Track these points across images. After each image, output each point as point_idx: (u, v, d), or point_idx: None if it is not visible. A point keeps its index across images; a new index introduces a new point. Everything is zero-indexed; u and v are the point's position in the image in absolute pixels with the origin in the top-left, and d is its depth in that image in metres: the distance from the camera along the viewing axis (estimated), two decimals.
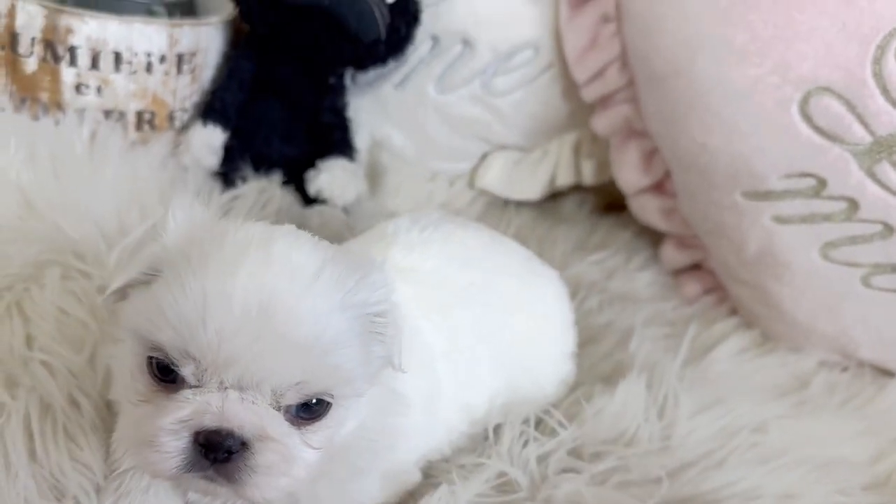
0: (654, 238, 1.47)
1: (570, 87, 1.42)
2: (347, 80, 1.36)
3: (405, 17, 1.27)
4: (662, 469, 0.87)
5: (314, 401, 0.65)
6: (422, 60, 1.39)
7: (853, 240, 1.15)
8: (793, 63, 1.11)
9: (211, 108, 1.29)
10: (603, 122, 1.40)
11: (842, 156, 1.12)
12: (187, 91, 1.29)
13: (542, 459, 0.86)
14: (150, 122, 1.27)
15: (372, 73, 1.39)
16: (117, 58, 1.19)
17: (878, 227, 1.13)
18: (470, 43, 1.37)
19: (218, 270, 0.62)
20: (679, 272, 1.42)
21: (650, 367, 1.05)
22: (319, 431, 0.66)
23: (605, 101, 1.38)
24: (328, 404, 0.66)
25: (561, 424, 0.90)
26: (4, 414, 0.75)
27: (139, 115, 1.25)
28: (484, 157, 1.50)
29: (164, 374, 0.64)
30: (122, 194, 1.12)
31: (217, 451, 0.61)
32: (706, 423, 0.96)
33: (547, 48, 1.39)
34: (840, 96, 1.09)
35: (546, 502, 0.82)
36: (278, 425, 0.64)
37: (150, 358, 0.64)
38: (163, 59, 1.23)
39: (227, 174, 1.28)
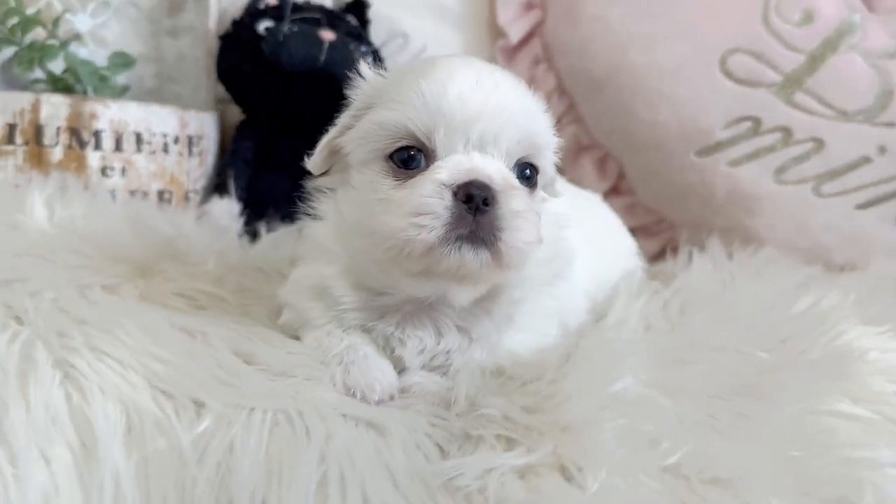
0: None
1: None
2: None
3: None
4: None
5: (527, 171, 0.76)
6: None
7: (796, 160, 1.41)
8: (706, 37, 1.41)
9: (222, 183, 1.37)
10: None
11: (765, 96, 1.40)
12: (197, 173, 1.38)
13: None
14: (170, 202, 1.32)
15: None
16: (138, 138, 1.27)
17: (811, 144, 1.40)
18: None
19: (442, 69, 0.74)
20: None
21: None
22: (535, 200, 0.77)
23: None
24: (536, 175, 0.77)
25: None
26: None
27: (160, 194, 1.31)
28: None
29: (407, 164, 0.73)
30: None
31: (477, 201, 0.69)
32: None
33: None
34: (749, 51, 1.40)
35: None
36: (515, 179, 0.73)
37: (391, 156, 0.74)
38: (176, 139, 1.32)
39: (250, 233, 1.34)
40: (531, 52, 1.58)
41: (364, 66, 0.82)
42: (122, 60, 1.49)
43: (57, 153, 1.22)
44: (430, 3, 1.61)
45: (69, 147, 1.22)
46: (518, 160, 0.76)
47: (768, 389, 0.78)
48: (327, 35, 1.36)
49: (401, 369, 0.81)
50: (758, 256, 1.23)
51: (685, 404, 0.74)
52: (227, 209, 1.34)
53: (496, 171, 0.72)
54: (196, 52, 1.53)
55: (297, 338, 0.84)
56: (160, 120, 1.29)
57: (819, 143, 1.40)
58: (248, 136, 1.43)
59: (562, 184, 1.16)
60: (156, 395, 0.71)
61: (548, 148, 0.79)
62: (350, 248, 0.80)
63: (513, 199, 0.71)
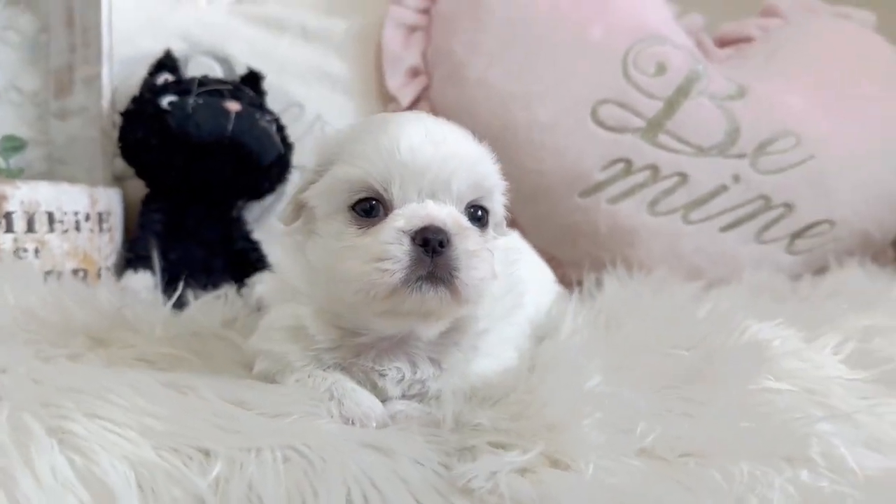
0: None
1: None
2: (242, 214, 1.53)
3: (284, 146, 1.52)
4: None
5: (479, 213, 0.84)
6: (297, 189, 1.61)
7: (665, 193, 1.59)
8: (578, 91, 1.59)
9: (136, 257, 1.37)
10: None
11: (633, 140, 1.58)
12: (108, 249, 1.36)
13: None
14: (84, 280, 1.30)
15: (257, 210, 1.58)
16: (50, 218, 1.25)
17: (677, 178, 1.59)
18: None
19: (394, 124, 0.82)
20: None
21: None
22: (487, 240, 0.85)
23: None
24: (487, 216, 0.85)
25: None
26: None
27: (75, 272, 1.29)
28: None
29: (369, 213, 0.81)
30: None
31: (433, 244, 0.77)
32: None
33: None
34: (615, 101, 1.58)
35: None
36: (466, 221, 0.82)
37: (353, 206, 0.81)
38: (87, 217, 1.31)
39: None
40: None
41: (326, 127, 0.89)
42: (14, 144, 1.45)
43: None
44: (318, 73, 1.69)
45: None
46: (468, 203, 0.84)
47: (706, 378, 0.90)
48: (233, 106, 1.40)
49: (382, 400, 0.86)
50: (653, 276, 1.38)
51: (644, 395, 0.84)
52: (144, 282, 1.33)
53: (448, 215, 0.80)
54: (89, 133, 1.52)
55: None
56: (71, 198, 1.28)
57: (683, 177, 1.59)
58: (156, 209, 1.43)
59: None
60: (159, 449, 0.72)
61: (496, 190, 0.88)
62: (321, 291, 0.85)
63: (466, 240, 0.79)
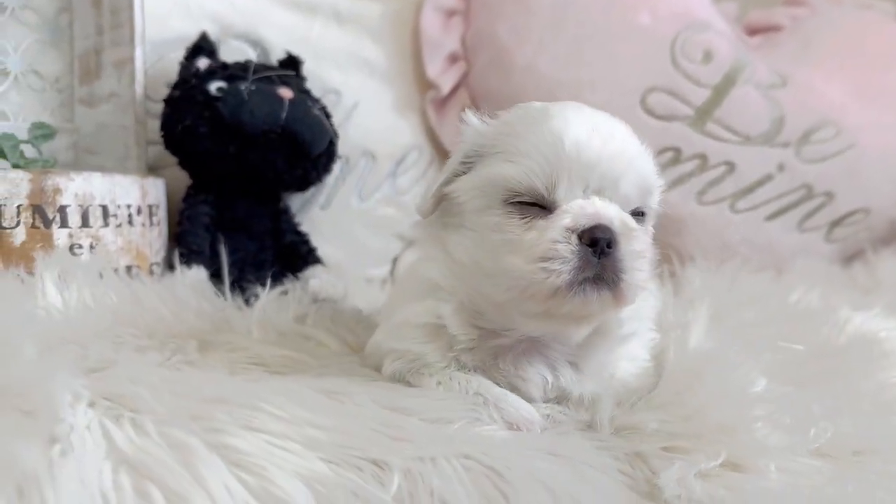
0: None
1: None
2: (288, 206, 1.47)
3: (333, 134, 1.45)
4: None
5: (641, 212, 0.81)
6: (337, 179, 1.56)
7: (712, 183, 1.59)
8: (627, 80, 1.56)
9: (188, 252, 1.29)
10: None
11: (681, 128, 1.57)
12: (158, 244, 1.29)
13: None
14: (138, 277, 1.22)
15: (299, 201, 1.51)
16: (104, 211, 1.17)
17: (724, 167, 1.59)
18: (372, 155, 1.59)
19: (559, 118, 0.77)
20: None
21: None
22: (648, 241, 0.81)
23: None
24: (645, 216, 0.82)
25: None
26: None
27: (128, 269, 1.21)
28: (395, 260, 1.67)
29: (523, 213, 0.76)
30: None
31: (601, 244, 0.73)
32: None
33: (426, 147, 1.67)
34: (664, 90, 1.56)
35: None
36: (632, 221, 0.78)
37: (510, 205, 0.77)
38: (139, 210, 1.23)
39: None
40: (460, 102, 1.65)
41: (469, 113, 0.84)
42: (44, 131, 1.35)
43: (19, 234, 1.09)
44: (356, 59, 1.62)
45: (32, 226, 1.10)
46: (635, 206, 0.81)
47: (833, 374, 0.89)
48: (286, 93, 1.34)
49: None
50: (725, 267, 1.37)
51: (807, 395, 0.82)
52: (199, 278, 1.26)
53: (616, 214, 0.76)
54: (121, 120, 1.43)
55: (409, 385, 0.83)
56: (123, 190, 1.20)
57: (730, 166, 1.59)
58: (203, 201, 1.35)
59: None
60: (329, 462, 0.67)
61: (657, 190, 0.84)
62: (465, 288, 0.81)
63: (632, 241, 0.76)
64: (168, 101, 1.35)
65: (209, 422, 0.68)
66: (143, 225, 1.24)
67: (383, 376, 0.86)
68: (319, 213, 1.55)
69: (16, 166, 1.27)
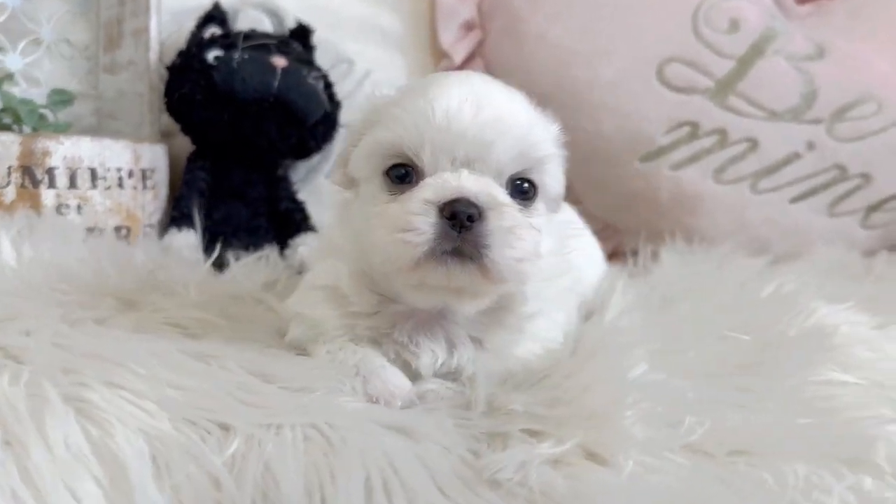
0: None
1: None
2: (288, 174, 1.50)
3: (332, 104, 1.47)
4: None
5: (525, 185, 0.77)
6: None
7: (733, 160, 1.49)
8: (643, 49, 1.49)
9: (180, 216, 1.34)
10: None
11: (701, 101, 1.48)
12: (152, 207, 1.35)
13: None
14: (127, 238, 1.29)
15: (303, 169, 1.54)
16: (93, 174, 1.23)
17: (746, 144, 1.49)
18: None
19: (435, 86, 0.76)
20: None
21: None
22: (533, 216, 0.78)
23: None
24: (535, 191, 0.78)
25: None
26: None
27: (117, 230, 1.27)
28: None
29: (402, 179, 0.75)
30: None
31: (461, 218, 0.71)
32: None
33: None
34: (683, 60, 1.48)
35: None
36: (504, 196, 0.75)
37: (387, 171, 0.76)
38: (130, 173, 1.29)
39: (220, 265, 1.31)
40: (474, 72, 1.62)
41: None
42: (62, 97, 1.44)
43: (10, 193, 1.17)
44: (371, 27, 1.63)
45: (22, 186, 1.18)
46: (513, 175, 0.77)
47: (764, 366, 0.83)
48: (279, 61, 1.36)
49: (414, 378, 0.82)
50: (715, 251, 1.30)
51: (694, 385, 0.77)
52: (187, 241, 1.31)
53: (482, 188, 0.73)
54: (137, 88, 1.50)
55: (305, 354, 0.84)
56: (114, 154, 1.26)
57: (753, 143, 1.49)
58: (200, 167, 1.40)
59: None
60: (176, 422, 0.69)
61: (549, 162, 0.79)
62: (359, 253, 0.81)
63: (502, 216, 0.72)
64: (170, 69, 1.41)
65: (77, 376, 0.72)
66: (135, 188, 1.30)
67: (285, 342, 0.87)
68: (324, 182, 1.58)
69: (34, 130, 1.36)
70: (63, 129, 1.43)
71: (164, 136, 1.53)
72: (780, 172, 1.49)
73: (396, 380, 0.77)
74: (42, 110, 1.40)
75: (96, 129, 1.57)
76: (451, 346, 0.83)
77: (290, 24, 1.56)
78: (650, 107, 1.49)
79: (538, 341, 0.85)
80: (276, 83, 1.34)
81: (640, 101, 1.49)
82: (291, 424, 0.69)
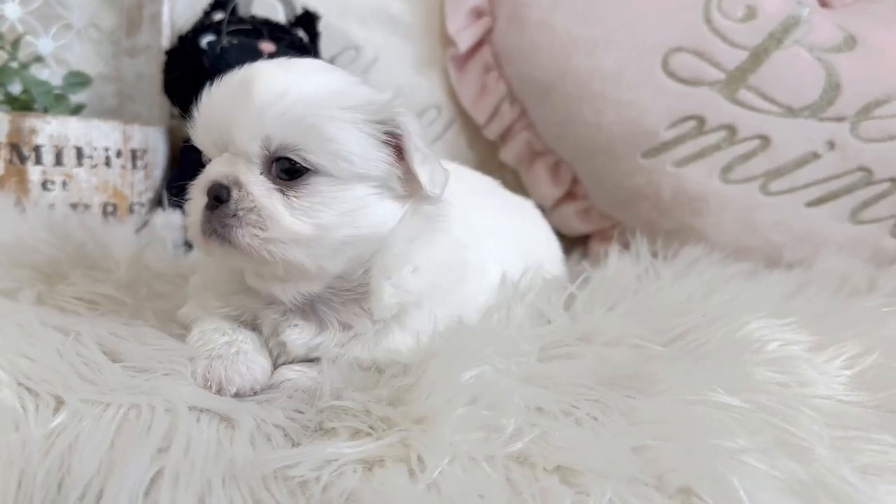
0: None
1: (473, 138, 1.65)
2: None
3: None
4: None
5: (288, 163, 0.75)
6: None
7: (742, 158, 1.38)
8: (648, 38, 1.40)
9: (170, 196, 1.39)
10: (509, 153, 1.62)
11: (708, 94, 1.38)
12: (142, 186, 1.40)
13: None
14: (113, 214, 1.35)
15: None
16: (79, 153, 1.30)
17: (757, 142, 1.38)
18: None
19: (228, 74, 0.79)
20: None
21: None
22: (307, 199, 0.75)
23: (505, 135, 1.61)
24: (311, 172, 0.75)
25: None
26: None
27: (103, 207, 1.33)
28: None
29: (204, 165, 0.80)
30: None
31: (211, 201, 0.75)
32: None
33: (447, 107, 1.63)
34: (690, 50, 1.38)
35: None
36: (253, 177, 0.75)
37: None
38: (119, 153, 1.35)
39: (190, 245, 1.35)
40: (482, 59, 1.59)
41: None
42: (79, 80, 1.52)
43: None
44: (379, 13, 1.62)
45: (10, 162, 1.25)
46: (272, 154, 0.75)
47: (645, 381, 0.77)
48: (267, 47, 1.38)
49: (286, 360, 0.82)
50: (691, 253, 1.21)
51: (548, 394, 0.72)
52: (168, 221, 1.36)
53: (227, 168, 0.76)
54: (152, 71, 1.56)
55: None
56: (102, 134, 1.32)
57: (765, 140, 1.37)
58: (194, 150, 1.44)
59: (492, 186, 1.16)
60: (21, 391, 0.72)
61: (328, 140, 0.75)
62: None
63: (242, 198, 0.74)
64: (168, 53, 1.45)
65: None
66: (124, 167, 1.36)
67: (177, 317, 0.88)
68: None
69: (45, 110, 1.45)
70: (76, 110, 1.51)
71: (176, 118, 1.58)
72: (794, 173, 1.37)
73: (243, 368, 0.77)
74: (58, 91, 1.49)
75: (117, 111, 1.65)
76: (319, 327, 0.82)
77: (299, 11, 1.58)
78: (653, 99, 1.40)
79: (412, 334, 0.82)
80: None
81: (642, 93, 1.40)
82: (119, 404, 0.70)
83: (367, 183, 0.78)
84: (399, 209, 0.80)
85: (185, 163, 1.44)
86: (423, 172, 0.79)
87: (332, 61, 1.58)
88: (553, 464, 0.65)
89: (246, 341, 0.81)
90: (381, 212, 0.79)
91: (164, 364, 0.76)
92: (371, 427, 0.69)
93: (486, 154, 1.65)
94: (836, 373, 0.82)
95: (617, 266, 1.09)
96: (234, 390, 0.75)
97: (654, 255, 1.18)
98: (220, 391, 0.75)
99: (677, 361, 0.81)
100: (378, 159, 0.78)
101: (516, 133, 1.60)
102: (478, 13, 1.59)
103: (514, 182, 1.63)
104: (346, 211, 0.76)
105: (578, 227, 1.60)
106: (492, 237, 0.95)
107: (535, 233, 1.14)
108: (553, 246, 1.17)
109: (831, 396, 0.77)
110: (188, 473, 0.64)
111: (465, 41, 1.57)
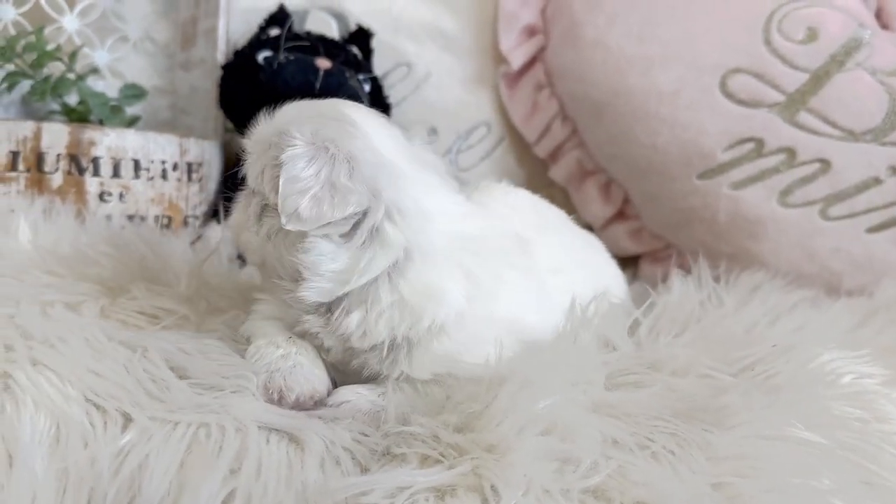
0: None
1: (522, 155, 1.64)
2: None
3: (381, 107, 1.47)
4: None
5: None
6: None
7: (801, 182, 1.36)
8: (705, 57, 1.38)
9: (224, 209, 1.39)
10: (559, 172, 1.60)
11: (767, 116, 1.36)
12: (197, 199, 1.41)
13: None
14: (168, 227, 1.36)
15: None
16: (136, 165, 1.31)
17: (817, 165, 1.35)
18: (434, 129, 1.59)
19: None
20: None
21: None
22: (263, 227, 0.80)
23: (556, 154, 1.60)
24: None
25: None
26: None
27: (158, 219, 1.34)
28: None
29: None
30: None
31: None
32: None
33: (497, 124, 1.63)
34: (749, 72, 1.36)
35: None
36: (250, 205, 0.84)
37: None
38: (175, 166, 1.36)
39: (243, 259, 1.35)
40: (534, 77, 1.58)
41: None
42: (134, 92, 1.54)
43: (57, 179, 1.26)
44: (432, 31, 1.62)
45: (68, 173, 1.27)
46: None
47: (719, 414, 0.75)
48: (323, 63, 1.38)
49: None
50: (752, 278, 1.19)
51: (621, 426, 0.71)
52: (222, 234, 1.36)
53: None
54: (206, 85, 1.58)
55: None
56: (158, 147, 1.33)
57: (825, 164, 1.34)
58: None
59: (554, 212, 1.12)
60: (89, 408, 0.72)
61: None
62: None
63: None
64: (224, 68, 1.46)
65: (12, 353, 0.77)
66: (179, 180, 1.37)
67: (239, 332, 0.88)
68: None
69: (101, 122, 1.46)
70: (132, 122, 1.52)
71: (230, 132, 1.59)
72: (855, 198, 1.34)
73: (301, 379, 0.77)
74: (114, 103, 1.51)
75: (171, 123, 1.66)
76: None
77: (353, 27, 1.59)
78: (711, 120, 1.38)
79: (472, 356, 0.80)
80: (318, 84, 1.37)
81: (699, 114, 1.38)
82: (188, 422, 0.70)
83: None
84: None
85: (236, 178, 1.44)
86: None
87: (384, 77, 1.59)
88: (632, 500, 0.63)
89: (301, 353, 0.80)
90: None
91: (230, 380, 0.75)
92: (441, 454, 0.68)
93: (536, 172, 1.64)
94: None
95: (680, 291, 1.07)
96: (293, 397, 0.75)
97: (717, 279, 1.15)
98: (280, 400, 0.75)
99: (751, 393, 0.78)
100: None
101: (567, 151, 1.59)
102: (531, 31, 1.58)
103: (564, 201, 1.61)
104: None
105: (629, 247, 1.58)
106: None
107: (603, 262, 1.12)
108: (618, 272, 1.15)
109: None
110: (261, 497, 0.63)
111: (517, 59, 1.56)
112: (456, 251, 0.78)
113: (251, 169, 0.81)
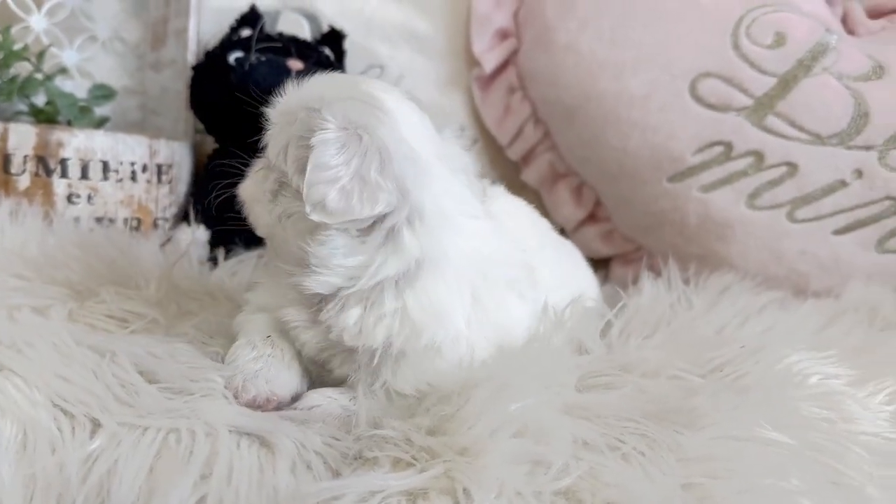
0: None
1: (495, 158, 1.65)
2: None
3: None
4: None
5: None
6: None
7: (769, 185, 1.38)
8: (674, 63, 1.40)
9: (195, 211, 1.38)
10: (532, 174, 1.61)
11: (736, 120, 1.38)
12: (167, 201, 1.39)
13: None
14: (137, 229, 1.34)
15: None
16: (105, 166, 1.29)
17: (784, 168, 1.37)
18: None
19: None
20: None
21: None
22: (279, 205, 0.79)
23: (528, 156, 1.61)
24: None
25: None
26: None
27: (127, 221, 1.32)
28: None
29: None
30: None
31: None
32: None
33: (470, 127, 1.63)
34: (719, 76, 1.38)
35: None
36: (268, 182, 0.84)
37: None
38: (145, 168, 1.34)
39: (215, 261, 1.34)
40: (506, 80, 1.58)
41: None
42: (103, 92, 1.52)
43: (24, 181, 1.24)
44: (405, 33, 1.62)
45: (36, 174, 1.25)
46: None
47: (689, 415, 0.75)
48: (295, 64, 1.38)
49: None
50: (721, 280, 1.20)
51: (593, 427, 0.71)
52: (192, 236, 1.35)
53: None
54: (177, 86, 1.56)
55: None
56: (128, 148, 1.32)
57: (792, 167, 1.37)
58: (220, 166, 1.43)
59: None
60: (57, 413, 0.71)
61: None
62: None
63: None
64: (195, 69, 1.45)
65: None
66: (149, 182, 1.35)
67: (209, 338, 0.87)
68: None
69: (69, 123, 1.44)
70: (100, 123, 1.50)
71: (200, 133, 1.58)
72: (821, 201, 1.36)
73: (262, 382, 0.77)
74: (83, 104, 1.49)
75: (141, 124, 1.65)
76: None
77: (325, 28, 1.58)
78: (680, 124, 1.40)
79: (446, 362, 0.80)
80: None
81: (669, 118, 1.40)
82: (157, 427, 0.69)
83: None
84: None
85: (208, 179, 1.43)
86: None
87: None
88: (603, 501, 0.63)
89: (275, 355, 0.80)
90: None
91: (200, 384, 0.75)
92: (413, 458, 0.68)
93: (508, 175, 1.64)
94: (879, 409, 0.81)
95: (651, 293, 1.08)
96: (247, 398, 0.75)
97: (686, 281, 1.17)
98: (236, 399, 0.74)
99: (720, 395, 0.79)
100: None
101: (539, 154, 1.59)
102: (503, 34, 1.59)
103: (536, 203, 1.61)
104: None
105: (600, 249, 1.59)
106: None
107: (581, 267, 1.12)
108: (591, 274, 1.15)
109: (877, 434, 0.76)
110: (232, 502, 0.63)
111: (490, 62, 1.57)
112: (468, 271, 0.77)
113: (273, 142, 0.79)
